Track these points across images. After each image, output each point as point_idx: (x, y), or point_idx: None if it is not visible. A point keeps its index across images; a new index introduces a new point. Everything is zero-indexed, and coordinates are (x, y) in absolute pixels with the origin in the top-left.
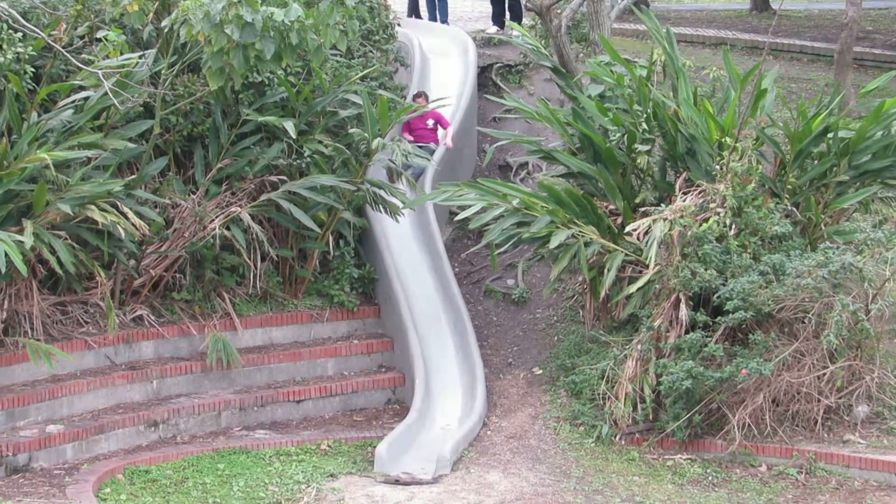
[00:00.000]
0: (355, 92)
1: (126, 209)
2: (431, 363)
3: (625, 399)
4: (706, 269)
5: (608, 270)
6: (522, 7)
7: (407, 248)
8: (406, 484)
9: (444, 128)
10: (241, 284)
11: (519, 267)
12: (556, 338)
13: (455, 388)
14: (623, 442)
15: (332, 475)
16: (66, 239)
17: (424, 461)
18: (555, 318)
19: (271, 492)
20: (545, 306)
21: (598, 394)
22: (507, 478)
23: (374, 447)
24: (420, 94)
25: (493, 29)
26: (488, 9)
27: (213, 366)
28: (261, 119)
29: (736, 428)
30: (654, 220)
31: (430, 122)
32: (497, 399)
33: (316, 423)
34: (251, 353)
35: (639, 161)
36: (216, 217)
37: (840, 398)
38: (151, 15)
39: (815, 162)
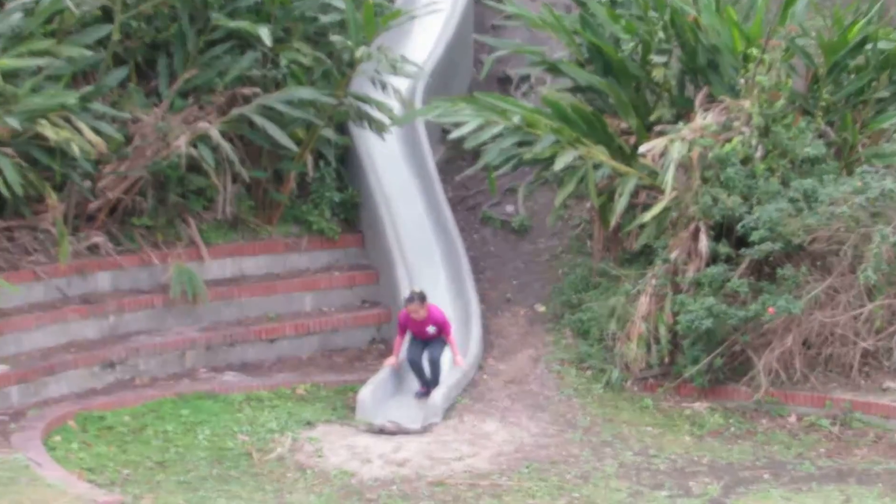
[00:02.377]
0: None
1: (81, 124)
2: None
3: (637, 340)
4: (729, 195)
5: (619, 196)
6: None
7: (395, 169)
8: (392, 433)
9: (446, 335)
10: (209, 209)
11: (520, 192)
12: (560, 271)
13: None
14: (635, 388)
15: (309, 423)
16: (13, 157)
17: (413, 408)
18: (559, 248)
19: (241, 441)
20: (549, 235)
21: (608, 334)
22: (505, 427)
23: (357, 392)
24: (413, 299)
25: None
26: None
27: (177, 300)
28: (232, 25)
29: (762, 373)
30: (672, 140)
31: (432, 329)
32: (494, 339)
33: (291, 364)
34: (219, 285)
35: (654, 74)
36: (182, 134)
37: (879, 340)
38: None
39: (852, 76)
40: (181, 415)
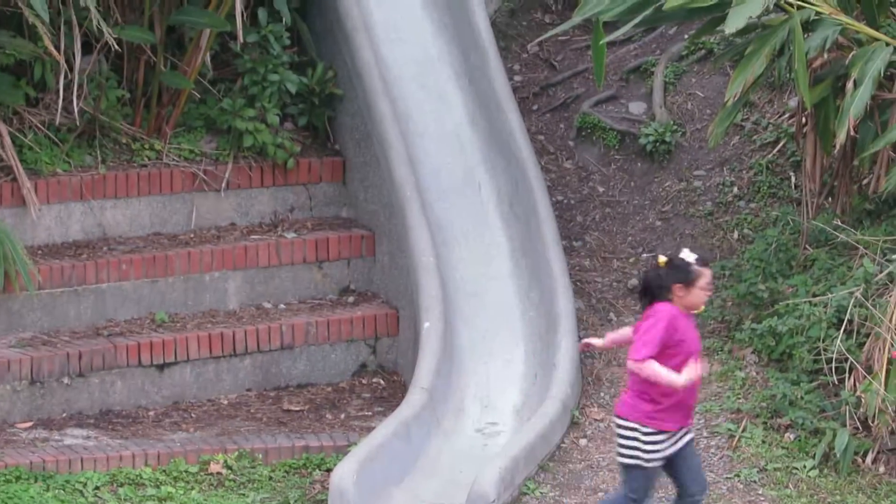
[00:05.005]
0: None
1: None
2: (458, 284)
3: (888, 373)
4: None
5: (856, 85)
6: None
7: (409, 27)
8: None
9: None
10: (39, 104)
11: (657, 75)
12: (736, 234)
13: (510, 340)
14: (882, 468)
15: None
16: None
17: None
18: (734, 190)
19: None
20: (714, 164)
21: (829, 360)
22: None
23: (329, 470)
24: (706, 261)
25: None
26: None
27: None
28: None
29: None
30: None
31: None
32: (604, 368)
33: (201, 414)
34: (59, 256)
35: None
36: None
37: None
38: None
39: None
40: None
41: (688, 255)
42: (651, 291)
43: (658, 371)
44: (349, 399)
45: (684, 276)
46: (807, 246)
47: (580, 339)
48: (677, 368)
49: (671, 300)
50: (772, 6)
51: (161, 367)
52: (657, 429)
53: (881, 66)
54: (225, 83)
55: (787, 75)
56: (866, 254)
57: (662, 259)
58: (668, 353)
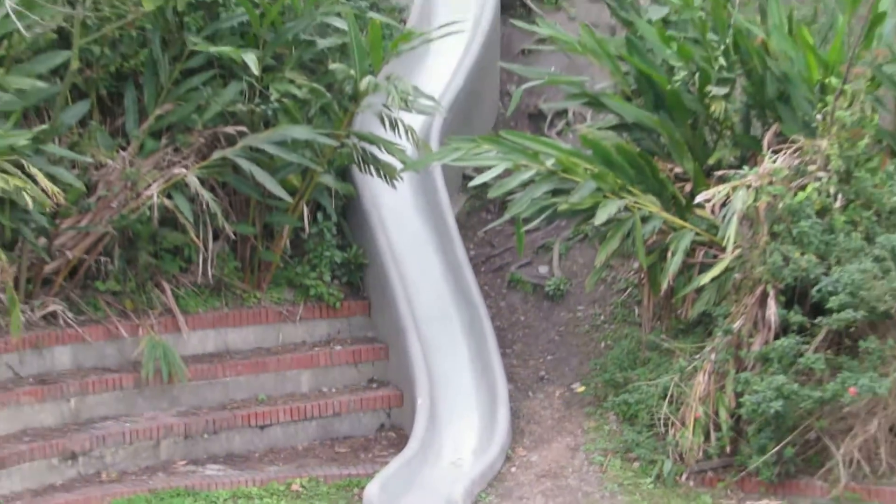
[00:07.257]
0: (338, 14)
1: (34, 170)
2: (438, 376)
3: (694, 426)
4: (803, 254)
5: (672, 254)
6: None
7: (407, 223)
8: None
9: None
10: (187, 271)
11: (555, 249)
12: (603, 344)
13: (469, 409)
14: (692, 483)
15: None
16: None
17: None
18: (601, 317)
19: None
20: (589, 302)
21: (659, 418)
22: None
23: (363, 488)
24: None
25: None
26: None
27: (150, 379)
28: (213, 50)
29: (841, 465)
30: (734, 188)
31: None
32: (525, 425)
33: (286, 455)
34: (200, 362)
35: (714, 108)
36: (154, 181)
37: None
38: None
39: None
40: None
41: None
42: None
43: None
44: (374, 445)
45: None
46: (645, 351)
47: (511, 408)
48: None
49: None
50: (622, 208)
51: (262, 427)
52: None
53: (687, 243)
54: (299, 257)
55: (632, 249)
56: (681, 355)
57: None
58: None
